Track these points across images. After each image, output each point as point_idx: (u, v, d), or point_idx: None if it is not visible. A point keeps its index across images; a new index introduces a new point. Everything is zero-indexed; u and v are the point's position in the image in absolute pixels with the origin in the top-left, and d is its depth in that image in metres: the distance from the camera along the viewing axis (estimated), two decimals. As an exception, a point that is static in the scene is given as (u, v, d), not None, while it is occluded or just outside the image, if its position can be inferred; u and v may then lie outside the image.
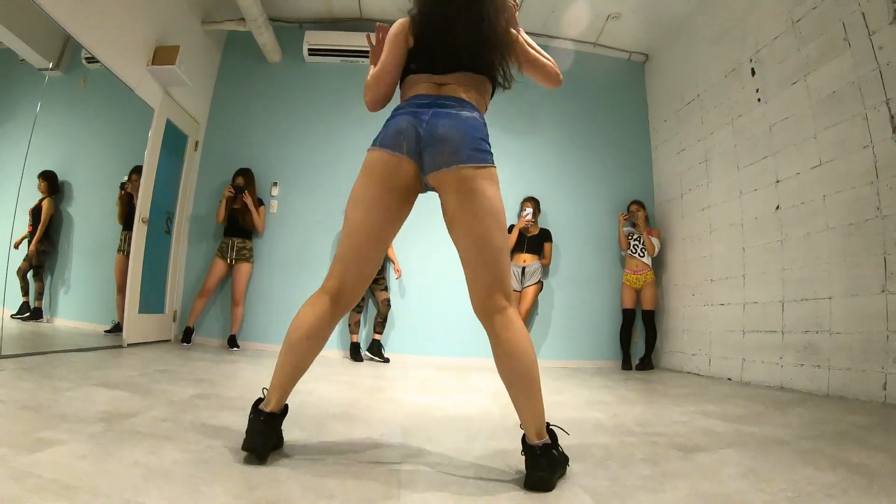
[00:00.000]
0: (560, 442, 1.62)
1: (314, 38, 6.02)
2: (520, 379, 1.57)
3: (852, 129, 3.61)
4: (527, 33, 1.92)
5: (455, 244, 1.69)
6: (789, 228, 4.13)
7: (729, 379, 4.55)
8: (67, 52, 3.97)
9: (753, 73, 4.64)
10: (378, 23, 1.92)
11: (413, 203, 1.79)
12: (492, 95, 1.87)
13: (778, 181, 4.27)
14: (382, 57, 1.81)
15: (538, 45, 1.90)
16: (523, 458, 1.56)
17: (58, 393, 2.29)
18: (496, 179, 1.66)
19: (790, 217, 4.12)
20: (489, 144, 1.68)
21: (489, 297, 1.62)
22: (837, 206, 3.70)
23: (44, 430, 1.65)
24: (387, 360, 5.26)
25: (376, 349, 5.28)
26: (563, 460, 1.59)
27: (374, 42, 1.94)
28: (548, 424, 1.61)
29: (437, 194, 1.73)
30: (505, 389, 1.62)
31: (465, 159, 1.60)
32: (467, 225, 1.62)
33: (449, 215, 1.67)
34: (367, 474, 1.54)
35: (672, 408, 3.08)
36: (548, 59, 1.88)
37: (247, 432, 1.57)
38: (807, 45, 4.06)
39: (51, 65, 3.83)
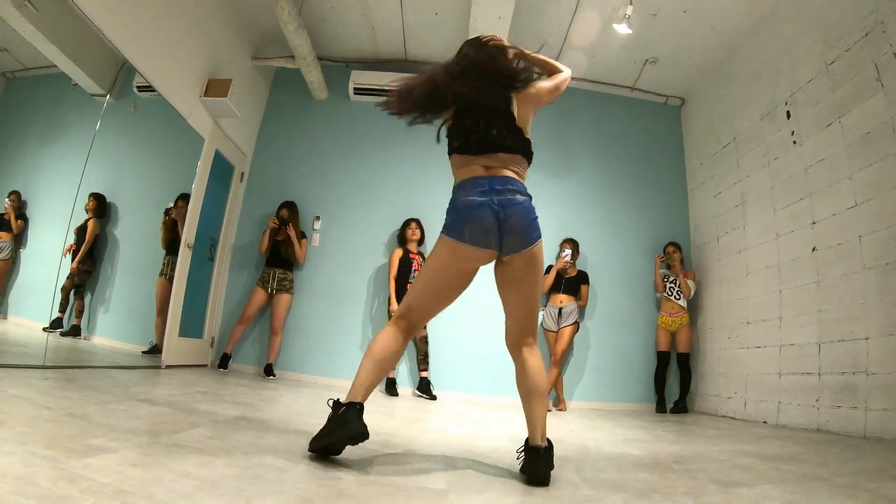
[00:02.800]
0: (603, 476, 1.94)
1: (360, 78, 6.23)
2: (537, 393, 1.99)
3: (887, 169, 3.61)
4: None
5: (504, 295, 2.08)
6: (826, 269, 4.09)
7: (765, 422, 4.46)
8: (119, 80, 4.15)
9: (789, 115, 4.67)
10: None
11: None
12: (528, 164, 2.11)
13: (814, 222, 4.25)
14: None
15: (572, 86, 2.12)
16: (519, 460, 1.97)
17: (103, 405, 2.35)
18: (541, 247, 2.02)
19: (827, 258, 4.09)
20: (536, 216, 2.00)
21: (524, 337, 2.04)
22: (874, 245, 3.67)
23: (92, 438, 1.67)
24: (434, 398, 5.21)
25: (425, 386, 5.25)
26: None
27: None
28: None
29: None
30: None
31: (530, 242, 1.96)
32: (524, 287, 2.02)
33: (509, 278, 2.03)
34: (418, 495, 1.57)
35: (709, 447, 3.04)
36: (557, 72, 2.25)
37: (338, 426, 1.80)
38: (840, 86, 4.09)
39: (104, 91, 4.01)
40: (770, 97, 4.96)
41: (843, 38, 4.07)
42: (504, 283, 2.06)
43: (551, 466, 1.88)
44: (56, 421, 1.89)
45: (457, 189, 2.01)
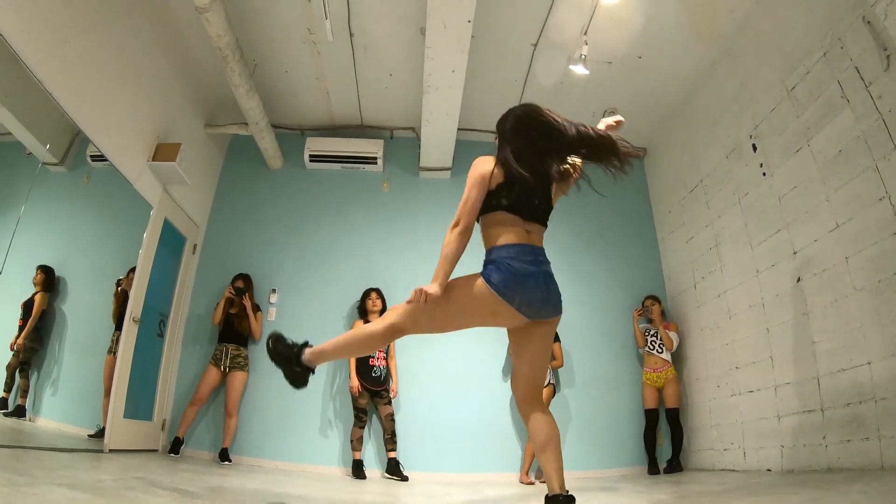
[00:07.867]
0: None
1: (315, 145, 6.12)
2: (552, 445, 2.11)
3: (865, 184, 3.47)
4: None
5: (520, 354, 2.29)
6: (814, 298, 3.88)
7: (769, 470, 4.11)
8: (74, 149, 4.03)
9: (755, 148, 4.60)
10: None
11: None
12: None
13: (795, 252, 4.08)
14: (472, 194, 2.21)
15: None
16: None
17: (13, 487, 1.98)
18: None
19: (814, 286, 3.89)
20: None
21: (535, 392, 2.24)
22: (862, 265, 3.47)
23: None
24: (405, 479, 4.80)
25: (394, 467, 4.85)
26: None
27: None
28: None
29: None
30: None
31: (559, 312, 2.23)
32: (545, 350, 2.28)
33: (534, 338, 2.24)
34: None
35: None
36: None
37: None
38: (805, 110, 4.03)
39: (56, 160, 3.88)
40: (734, 133, 4.91)
41: (802, 61, 4.04)
42: (526, 342, 2.25)
43: None
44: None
45: (504, 248, 2.17)
